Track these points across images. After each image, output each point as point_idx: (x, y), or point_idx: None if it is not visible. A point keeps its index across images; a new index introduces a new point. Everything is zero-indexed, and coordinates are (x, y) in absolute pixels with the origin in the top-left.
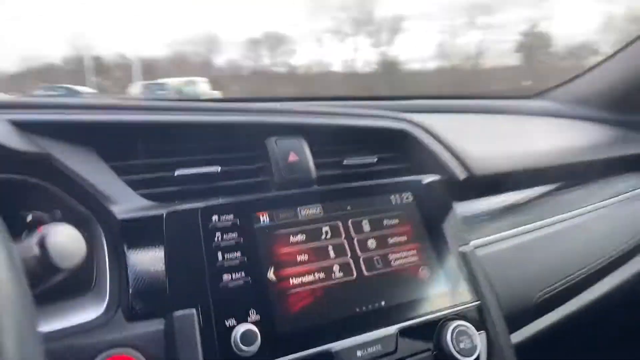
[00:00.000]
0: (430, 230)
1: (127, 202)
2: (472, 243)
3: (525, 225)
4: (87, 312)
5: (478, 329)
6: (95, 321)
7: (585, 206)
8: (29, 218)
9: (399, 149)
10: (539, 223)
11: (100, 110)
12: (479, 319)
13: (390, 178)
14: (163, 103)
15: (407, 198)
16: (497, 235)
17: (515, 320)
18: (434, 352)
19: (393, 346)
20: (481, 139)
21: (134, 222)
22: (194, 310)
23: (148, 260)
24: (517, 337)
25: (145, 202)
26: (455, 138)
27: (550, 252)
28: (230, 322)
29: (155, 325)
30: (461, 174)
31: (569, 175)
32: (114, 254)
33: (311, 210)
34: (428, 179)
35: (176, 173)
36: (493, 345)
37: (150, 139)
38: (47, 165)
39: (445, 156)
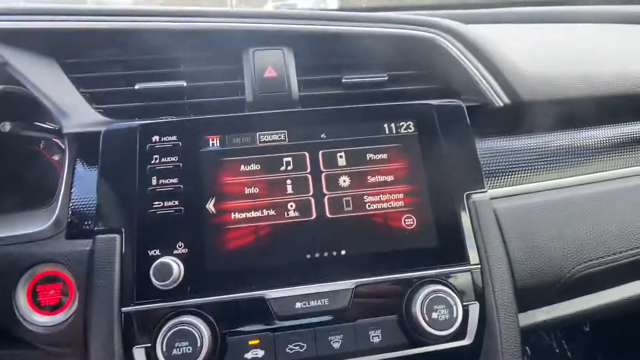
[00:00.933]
0: (432, 170)
1: (79, 117)
2: (490, 192)
3: (566, 178)
4: (33, 225)
5: (468, 299)
6: (36, 234)
7: None
8: (7, 127)
9: (420, 65)
10: (585, 177)
11: (61, 16)
12: (474, 287)
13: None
14: (128, 7)
15: (407, 128)
16: (527, 186)
17: (534, 298)
18: (398, 319)
19: (345, 303)
20: (541, 55)
21: (79, 138)
22: (116, 235)
23: (88, 179)
24: (529, 318)
25: (98, 118)
26: (503, 52)
27: (595, 217)
28: (153, 252)
29: (84, 246)
30: (501, 100)
31: None
32: (71, 170)
33: (274, 137)
34: (444, 104)
35: (137, 86)
36: (489, 323)
37: (112, 47)
38: (7, 74)
39: (482, 74)
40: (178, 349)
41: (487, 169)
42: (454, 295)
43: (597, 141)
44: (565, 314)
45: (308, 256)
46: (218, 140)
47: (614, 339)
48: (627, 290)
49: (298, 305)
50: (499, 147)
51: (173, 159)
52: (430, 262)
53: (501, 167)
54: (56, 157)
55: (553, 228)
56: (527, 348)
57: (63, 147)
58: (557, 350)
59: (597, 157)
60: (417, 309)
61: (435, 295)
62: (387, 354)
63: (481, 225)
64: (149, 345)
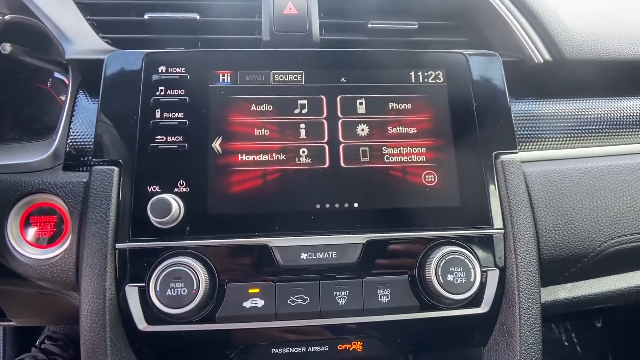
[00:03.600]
0: (460, 125)
1: (83, 43)
2: (521, 155)
3: (604, 147)
4: (31, 156)
5: (487, 265)
6: (33, 164)
7: None
8: (7, 49)
9: (456, 15)
10: (626, 147)
11: None
12: (495, 253)
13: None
14: None
15: (436, 77)
16: (561, 152)
17: (558, 272)
18: (410, 279)
19: (353, 258)
20: (588, 10)
21: (82, 68)
22: (114, 168)
23: (89, 111)
24: (550, 294)
25: (103, 46)
26: (546, 3)
27: (634, 189)
28: (152, 188)
29: (81, 177)
30: (541, 56)
31: None
32: (72, 102)
33: (289, 77)
34: (479, 54)
35: (146, 16)
36: (508, 292)
37: None
38: (14, 2)
39: (523, 26)
40: (172, 290)
41: (520, 132)
42: (472, 258)
43: None
44: (588, 293)
45: (318, 206)
46: (229, 76)
47: (626, 336)
48: None
49: (303, 256)
50: (533, 110)
51: (179, 92)
52: (450, 222)
53: (534, 131)
54: (63, 97)
55: (586, 197)
56: None
57: (68, 82)
58: (567, 344)
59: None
60: (431, 269)
61: (452, 256)
62: (395, 315)
63: (508, 188)
64: (143, 284)
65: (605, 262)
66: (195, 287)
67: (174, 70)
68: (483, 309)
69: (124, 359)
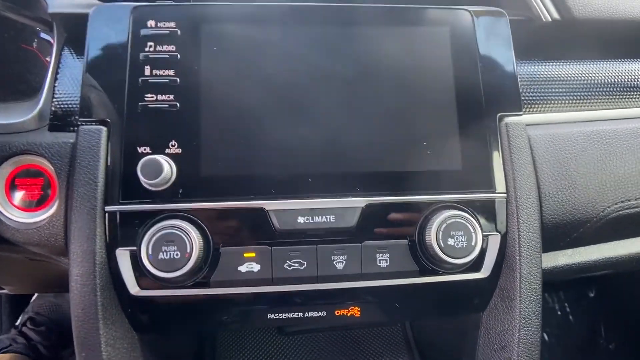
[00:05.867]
0: (463, 85)
1: None
2: (525, 117)
3: (611, 110)
4: (15, 116)
5: (489, 229)
6: (17, 125)
7: None
8: None
9: None
10: (633, 111)
11: None
12: (497, 217)
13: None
14: None
15: (440, 35)
16: (567, 115)
17: (560, 237)
18: (409, 244)
19: (352, 222)
20: None
21: (67, 24)
22: (102, 128)
23: (75, 69)
24: (550, 260)
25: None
26: None
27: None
28: (142, 149)
29: (68, 138)
30: (550, 14)
31: None
32: (58, 60)
33: (293, 30)
34: (485, 11)
35: None
36: (509, 257)
37: None
38: None
39: None
40: (165, 254)
41: (525, 94)
42: (474, 222)
43: None
44: (588, 260)
45: (316, 168)
46: (222, 31)
47: (618, 307)
48: None
49: (300, 219)
50: (540, 72)
51: (170, 48)
52: (451, 186)
53: (540, 94)
54: (49, 59)
55: (591, 161)
56: None
57: (53, 42)
58: (560, 313)
59: None
60: (432, 233)
61: (453, 220)
62: (395, 280)
63: (512, 151)
64: (134, 248)
65: (607, 228)
66: (188, 251)
67: (164, 25)
68: (483, 273)
69: (116, 324)
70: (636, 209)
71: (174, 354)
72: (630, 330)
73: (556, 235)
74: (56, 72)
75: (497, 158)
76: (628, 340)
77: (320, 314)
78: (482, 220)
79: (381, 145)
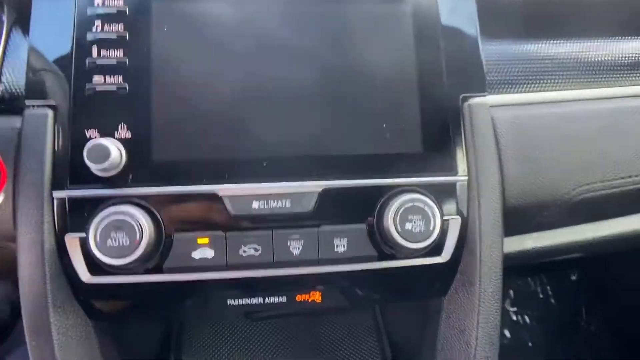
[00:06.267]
0: (425, 64)
1: None
2: (491, 98)
3: (580, 90)
4: None
5: (448, 212)
6: None
7: None
8: None
9: None
10: (602, 91)
11: None
12: (457, 200)
13: None
14: None
15: (400, 11)
16: (533, 96)
17: (525, 220)
18: (368, 229)
19: (309, 207)
20: None
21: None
22: (48, 111)
23: (22, 48)
24: (516, 244)
25: None
26: None
27: (608, 135)
28: (90, 132)
29: (14, 123)
30: None
31: None
32: (6, 41)
33: (245, 8)
34: None
35: None
36: (470, 241)
37: None
38: None
39: None
40: (113, 240)
41: (491, 76)
42: (433, 206)
43: (626, 55)
44: (555, 243)
45: (270, 152)
46: (172, 11)
47: (600, 290)
48: (629, 223)
49: (255, 205)
50: (506, 52)
51: (118, 27)
52: (411, 169)
53: (507, 75)
54: None
55: (557, 143)
56: (511, 291)
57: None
58: (541, 296)
59: (622, 72)
60: (389, 218)
61: (411, 204)
62: (352, 265)
63: (475, 133)
64: (84, 235)
65: (574, 210)
66: (137, 238)
67: (112, 3)
68: (443, 258)
69: (68, 312)
70: (601, 192)
71: (136, 342)
72: (610, 313)
73: (520, 218)
74: (4, 54)
75: (459, 140)
76: (608, 322)
77: (280, 299)
78: (443, 204)
79: (339, 128)
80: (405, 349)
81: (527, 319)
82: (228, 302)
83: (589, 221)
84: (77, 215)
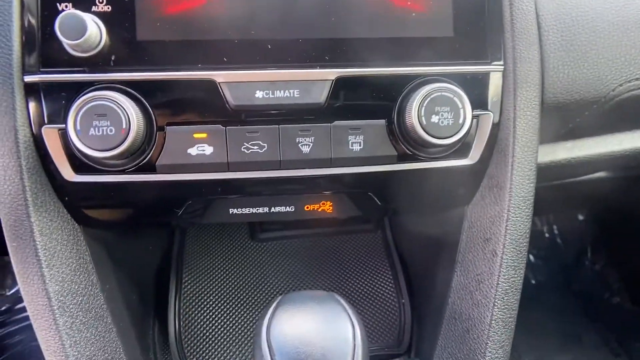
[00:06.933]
0: None
1: None
2: None
3: None
4: None
5: (480, 106)
6: None
7: None
8: None
9: None
10: None
11: None
12: (490, 93)
13: None
14: None
15: None
16: None
17: (562, 122)
18: (387, 125)
19: (321, 98)
20: None
21: None
22: None
23: None
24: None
25: None
26: None
27: None
28: (64, 5)
29: None
30: None
31: None
32: None
33: None
34: None
35: None
36: (501, 140)
37: None
38: None
39: None
40: (96, 129)
41: None
42: (463, 96)
43: None
44: (590, 153)
45: (277, 33)
46: None
47: (606, 230)
48: None
49: (259, 94)
50: None
51: None
52: (439, 56)
53: None
54: None
55: (606, 30)
56: None
57: None
58: (547, 235)
59: None
60: (413, 109)
61: (438, 94)
62: (369, 167)
63: (514, 16)
64: (64, 126)
65: (613, 115)
66: (124, 126)
67: None
68: (471, 159)
69: (52, 213)
70: None
71: (133, 253)
72: (614, 252)
73: (557, 120)
74: None
75: (496, 23)
76: (611, 261)
77: (288, 208)
78: (473, 96)
79: (357, 6)
80: (416, 264)
81: (531, 257)
82: (230, 210)
83: (628, 129)
84: (54, 104)
